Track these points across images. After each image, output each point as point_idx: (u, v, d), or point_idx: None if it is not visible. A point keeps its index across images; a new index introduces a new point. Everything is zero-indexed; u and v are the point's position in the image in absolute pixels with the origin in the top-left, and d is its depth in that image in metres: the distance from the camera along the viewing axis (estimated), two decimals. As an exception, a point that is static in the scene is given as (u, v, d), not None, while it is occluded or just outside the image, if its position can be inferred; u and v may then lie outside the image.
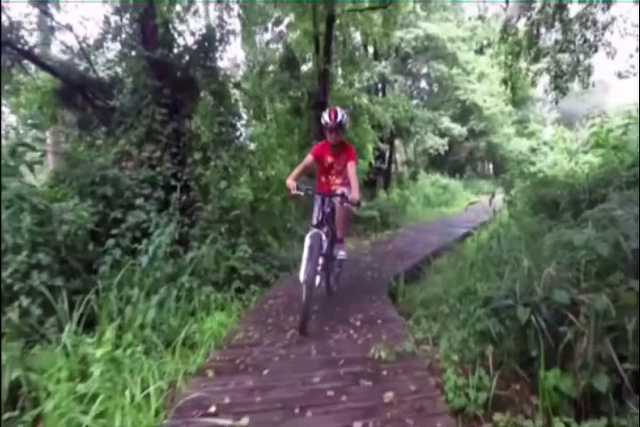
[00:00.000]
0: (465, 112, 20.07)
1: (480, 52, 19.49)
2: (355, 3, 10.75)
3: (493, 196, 6.40)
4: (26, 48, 6.64)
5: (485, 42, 18.87)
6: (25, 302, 3.08)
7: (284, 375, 2.31)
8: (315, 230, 3.35)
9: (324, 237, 3.36)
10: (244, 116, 7.63)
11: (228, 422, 1.80)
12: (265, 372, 2.36)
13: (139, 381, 2.17)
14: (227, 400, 2.03)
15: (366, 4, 10.97)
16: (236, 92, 7.19)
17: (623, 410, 1.75)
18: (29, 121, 5.30)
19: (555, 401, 1.89)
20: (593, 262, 2.22)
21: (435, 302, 3.30)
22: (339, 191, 3.55)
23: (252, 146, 7.55)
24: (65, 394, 2.07)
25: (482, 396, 1.99)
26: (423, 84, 22.97)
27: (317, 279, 3.19)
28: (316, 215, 3.51)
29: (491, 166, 26.59)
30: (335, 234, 3.72)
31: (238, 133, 6.54)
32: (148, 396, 2.09)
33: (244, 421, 1.83)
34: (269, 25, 11.93)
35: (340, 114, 3.53)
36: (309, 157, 3.68)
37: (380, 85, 18.43)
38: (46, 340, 2.82)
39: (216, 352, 2.72)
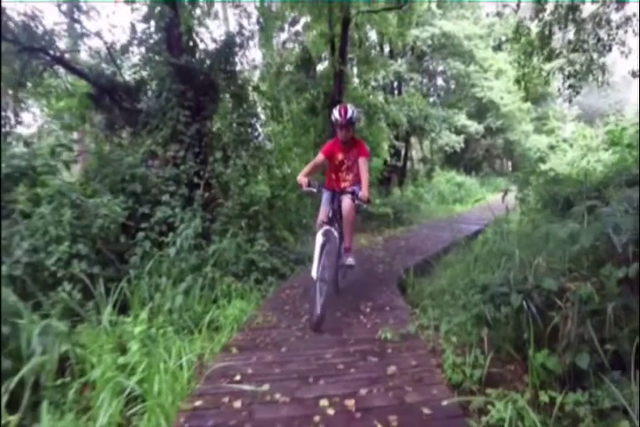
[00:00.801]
0: (482, 109, 19.97)
1: (498, 48, 19.37)
2: (370, 4, 10.89)
3: (506, 193, 6.56)
4: (57, 54, 7.05)
5: (503, 38, 18.80)
6: (67, 287, 3.42)
7: (299, 352, 2.59)
8: (326, 227, 3.37)
9: (335, 234, 3.37)
10: (262, 116, 7.89)
11: (251, 387, 2.08)
12: (282, 349, 2.65)
13: (172, 355, 2.46)
14: (249, 371, 2.32)
15: (381, 5, 11.11)
16: (254, 94, 7.47)
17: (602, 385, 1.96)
18: (60, 122, 5.71)
19: (542, 378, 2.11)
20: (587, 255, 2.42)
21: (441, 294, 3.51)
22: (349, 189, 3.56)
23: (270, 145, 7.82)
24: (109, 364, 2.37)
25: (477, 373, 2.21)
26: (440, 81, 22.92)
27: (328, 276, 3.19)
28: (325, 212, 3.54)
29: (509, 164, 26.35)
30: (342, 235, 3.63)
31: (256, 133, 6.82)
32: (180, 367, 2.39)
33: (265, 387, 2.11)
34: (286, 25, 12.19)
35: (351, 110, 3.49)
36: (320, 156, 3.63)
37: (395, 84, 18.53)
38: (86, 320, 3.16)
39: (238, 333, 3.01)
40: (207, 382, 2.20)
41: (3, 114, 7.99)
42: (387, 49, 16.63)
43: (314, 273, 3.13)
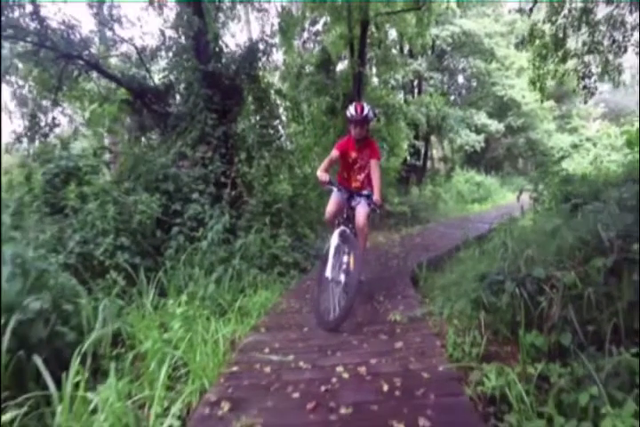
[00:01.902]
0: (503, 108, 19.85)
1: (522, 44, 19.16)
2: (388, 4, 11.09)
3: (521, 193, 6.74)
4: (92, 60, 7.56)
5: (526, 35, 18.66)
6: (114, 275, 3.86)
7: (319, 332, 2.96)
8: (342, 228, 3.38)
9: (352, 236, 3.37)
10: (284, 118, 8.26)
11: (279, 357, 2.44)
12: (305, 329, 3.02)
13: (209, 332, 2.85)
14: (276, 345, 2.69)
15: (400, 6, 11.31)
16: (276, 96, 7.85)
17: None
18: (103, 126, 6.22)
19: (532, 355, 2.40)
20: (579, 248, 2.69)
21: (451, 286, 3.79)
22: (364, 191, 3.58)
23: (291, 146, 8.19)
24: (157, 339, 2.77)
25: (475, 350, 2.51)
26: (461, 79, 22.82)
27: (342, 277, 3.16)
28: (340, 210, 3.58)
29: (531, 163, 26.05)
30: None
31: (279, 135, 7.19)
32: (216, 342, 2.77)
33: (290, 357, 2.47)
34: (306, 24, 12.47)
35: (367, 108, 3.49)
36: (335, 152, 3.61)
37: (416, 82, 18.64)
38: (132, 304, 3.58)
39: (265, 317, 3.39)
40: (241, 354, 2.58)
41: (41, 117, 8.57)
42: (406, 48, 16.76)
43: (328, 273, 3.16)
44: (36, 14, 7.21)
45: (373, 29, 11.95)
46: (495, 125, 18.82)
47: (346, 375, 2.18)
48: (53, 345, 2.60)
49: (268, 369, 2.33)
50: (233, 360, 2.50)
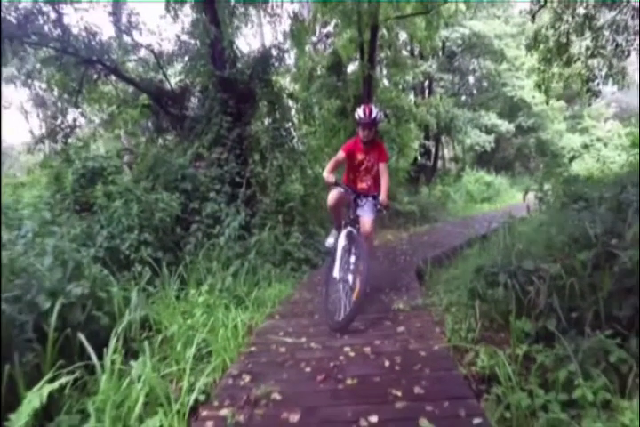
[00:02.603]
0: (513, 108, 19.90)
1: (529, 48, 19.19)
2: (398, 7, 11.28)
3: (527, 193, 6.92)
4: (111, 65, 7.91)
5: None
6: (139, 267, 4.17)
7: (329, 318, 3.22)
8: (349, 229, 3.37)
9: (358, 237, 3.35)
10: (295, 120, 8.54)
11: (292, 339, 2.71)
12: (315, 316, 3.30)
13: (228, 318, 3.13)
14: (290, 330, 2.97)
15: (409, 10, 11.51)
16: (288, 100, 8.13)
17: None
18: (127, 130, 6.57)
19: (522, 340, 2.63)
20: (569, 244, 2.92)
21: (453, 280, 4.03)
22: (370, 193, 3.60)
23: (303, 147, 8.46)
24: (181, 324, 3.06)
25: (470, 335, 2.75)
26: (472, 79, 22.87)
27: (350, 278, 3.18)
28: (336, 196, 3.56)
29: (542, 163, 25.95)
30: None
31: (291, 137, 7.47)
32: (235, 327, 3.05)
33: (302, 339, 2.74)
34: (317, 26, 12.72)
35: (375, 111, 3.49)
36: (341, 153, 3.59)
37: (426, 83, 18.80)
38: (156, 294, 3.88)
39: (279, 306, 3.68)
40: (258, 336, 2.87)
41: (61, 119, 8.96)
42: (417, 50, 16.93)
43: (336, 273, 3.19)
44: (59, 22, 7.57)
45: (384, 31, 12.18)
46: (505, 126, 18.89)
47: (352, 354, 2.45)
48: (90, 328, 2.90)
49: (282, 349, 2.62)
50: (251, 342, 2.79)
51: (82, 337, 2.42)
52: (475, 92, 22.43)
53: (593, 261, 2.58)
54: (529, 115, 19.81)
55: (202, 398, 2.33)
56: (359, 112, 3.52)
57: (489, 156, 20.39)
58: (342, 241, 3.33)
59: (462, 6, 15.15)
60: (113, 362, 2.47)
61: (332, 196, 3.64)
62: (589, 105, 7.76)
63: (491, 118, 18.50)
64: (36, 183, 7.67)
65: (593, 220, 2.80)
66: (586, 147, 20.63)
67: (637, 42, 6.47)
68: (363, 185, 3.73)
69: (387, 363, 2.27)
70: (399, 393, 1.92)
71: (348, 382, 2.09)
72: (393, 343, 2.56)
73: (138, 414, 2.08)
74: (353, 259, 3.26)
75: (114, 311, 3.14)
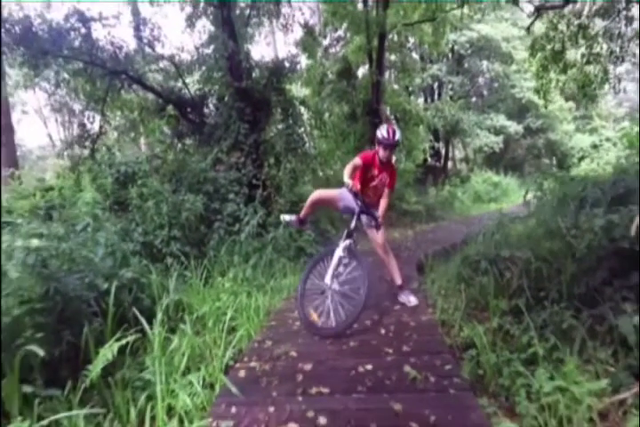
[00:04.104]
0: (522, 109, 20.15)
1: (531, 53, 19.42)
2: (405, 14, 11.73)
3: (527, 193, 7.33)
4: (135, 75, 8.53)
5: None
6: (169, 260, 4.73)
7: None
8: (348, 242, 3.28)
9: (358, 252, 3.33)
10: (307, 126, 9.06)
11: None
12: (325, 300, 3.82)
13: (251, 301, 3.67)
14: (303, 310, 3.50)
15: (417, 17, 11.94)
16: (300, 107, 8.67)
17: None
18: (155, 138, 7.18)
19: (498, 315, 3.11)
20: (544, 235, 3.40)
21: (446, 270, 4.51)
22: (372, 211, 3.54)
23: (314, 151, 8.99)
24: (211, 306, 3.61)
25: (457, 314, 3.24)
26: (481, 81, 23.11)
27: (337, 286, 3.14)
28: (328, 198, 3.69)
29: (553, 163, 26.07)
30: (392, 276, 3.62)
31: (303, 142, 8.01)
32: (257, 308, 3.58)
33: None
34: (328, 30, 13.18)
35: (398, 133, 3.50)
36: (359, 161, 3.50)
37: (436, 85, 19.19)
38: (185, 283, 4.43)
39: (294, 292, 4.18)
40: (276, 314, 3.41)
41: (89, 126, 9.60)
42: (425, 53, 17.33)
43: (327, 280, 3.15)
44: (88, 37, 8.22)
45: (393, 36, 12.62)
46: (514, 127, 19.18)
47: (355, 325, 2.95)
48: (136, 307, 3.45)
49: (297, 323, 3.13)
50: (271, 318, 3.31)
51: (136, 311, 2.96)
52: (485, 93, 22.66)
53: (556, 249, 3.06)
54: (537, 116, 20.05)
55: (231, 362, 2.87)
56: (383, 132, 3.50)
57: (498, 156, 20.67)
58: (340, 252, 3.21)
59: (468, 10, 15.56)
60: (160, 332, 3.02)
61: (328, 195, 3.73)
62: (586, 109, 8.10)
63: (499, 120, 18.81)
64: (68, 186, 8.34)
65: (564, 214, 3.29)
66: (595, 147, 20.75)
67: (631, 48, 6.83)
68: (367, 199, 3.63)
69: (383, 331, 2.77)
70: (390, 351, 2.42)
71: (351, 344, 2.60)
72: (389, 317, 3.07)
73: (182, 370, 2.61)
74: (342, 269, 3.21)
75: (154, 295, 3.71)
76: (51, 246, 2.61)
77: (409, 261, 5.39)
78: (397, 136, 3.50)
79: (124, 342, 2.59)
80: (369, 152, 3.70)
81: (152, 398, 2.29)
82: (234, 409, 1.93)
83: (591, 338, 2.48)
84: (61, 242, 2.96)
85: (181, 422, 2.03)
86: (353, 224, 3.42)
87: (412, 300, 3.47)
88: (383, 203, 3.60)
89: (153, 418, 2.13)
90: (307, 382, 2.13)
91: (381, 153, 3.56)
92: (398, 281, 3.63)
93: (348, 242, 3.28)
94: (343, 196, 3.62)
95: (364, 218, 3.62)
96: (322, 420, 1.77)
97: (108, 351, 2.42)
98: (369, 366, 2.23)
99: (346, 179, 3.25)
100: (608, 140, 20.75)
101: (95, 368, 2.37)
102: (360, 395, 1.97)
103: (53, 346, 2.43)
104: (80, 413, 1.91)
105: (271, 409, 1.89)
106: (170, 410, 2.24)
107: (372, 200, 3.67)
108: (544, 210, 3.85)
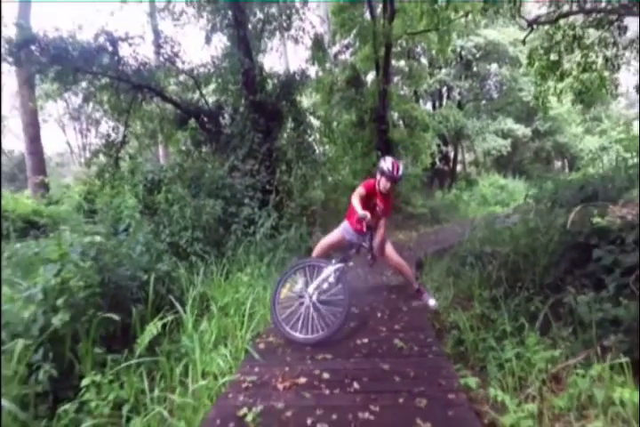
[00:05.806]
0: (530, 112, 20.38)
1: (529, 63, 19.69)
2: (411, 23, 12.19)
3: (526, 196, 7.73)
4: (157, 89, 9.16)
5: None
6: (194, 258, 5.28)
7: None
8: (339, 265, 3.28)
9: (346, 278, 3.27)
10: (317, 134, 9.61)
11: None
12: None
13: (267, 293, 4.19)
14: (312, 299, 4.02)
15: (422, 26, 12.38)
16: (310, 117, 9.21)
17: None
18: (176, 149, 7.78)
19: (481, 303, 3.58)
20: (524, 233, 3.86)
21: (443, 266, 4.98)
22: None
23: (323, 158, 9.52)
24: (232, 296, 4.14)
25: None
26: (490, 84, 23.35)
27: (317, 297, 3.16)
28: (334, 243, 3.99)
29: (563, 166, 26.17)
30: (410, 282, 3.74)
31: (313, 149, 8.54)
32: (272, 298, 4.11)
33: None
34: (337, 37, 13.69)
35: (402, 168, 3.57)
36: (362, 191, 3.60)
37: (444, 89, 19.58)
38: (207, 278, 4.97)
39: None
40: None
41: (113, 136, 10.25)
42: (433, 58, 17.74)
43: (311, 289, 3.21)
44: (115, 54, 8.89)
45: (400, 42, 13.05)
46: (522, 130, 19.44)
47: (356, 311, 3.45)
48: (169, 297, 4.00)
49: (306, 308, 3.66)
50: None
51: (172, 298, 3.51)
52: (495, 95, 22.86)
53: (534, 245, 3.52)
54: (545, 119, 20.26)
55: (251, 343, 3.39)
56: (388, 166, 3.54)
57: (506, 160, 20.91)
58: (329, 271, 3.24)
59: (473, 16, 15.95)
60: (192, 314, 3.56)
61: (333, 241, 3.99)
62: (584, 114, 8.47)
63: (507, 123, 19.09)
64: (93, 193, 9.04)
65: (541, 214, 3.75)
66: (604, 149, 20.85)
67: (627, 56, 7.20)
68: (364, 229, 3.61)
69: (379, 314, 3.27)
70: (384, 329, 2.92)
71: (352, 325, 3.10)
72: (386, 303, 3.57)
73: (211, 345, 3.14)
74: (326, 286, 3.22)
75: (182, 287, 4.26)
76: (103, 243, 3.17)
77: (409, 259, 5.83)
78: (401, 171, 3.57)
79: (164, 320, 3.14)
80: (371, 181, 3.74)
81: (187, 366, 2.82)
82: (257, 369, 2.45)
83: (555, 320, 2.94)
84: (108, 240, 3.52)
85: (215, 378, 2.56)
86: (352, 252, 3.59)
87: (432, 302, 3.55)
88: (380, 233, 3.69)
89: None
90: (314, 351, 2.64)
91: (382, 184, 3.61)
92: (415, 286, 3.76)
93: (340, 265, 3.30)
94: (345, 232, 3.92)
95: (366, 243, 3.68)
96: (325, 375, 2.28)
97: (153, 328, 2.96)
98: (365, 340, 2.73)
99: (361, 211, 3.35)
100: (617, 141, 20.85)
101: (143, 341, 2.91)
102: (357, 359, 2.47)
103: (108, 325, 2.98)
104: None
105: (286, 369, 2.40)
106: (203, 375, 2.77)
107: (374, 227, 3.70)
108: (527, 210, 4.31)
